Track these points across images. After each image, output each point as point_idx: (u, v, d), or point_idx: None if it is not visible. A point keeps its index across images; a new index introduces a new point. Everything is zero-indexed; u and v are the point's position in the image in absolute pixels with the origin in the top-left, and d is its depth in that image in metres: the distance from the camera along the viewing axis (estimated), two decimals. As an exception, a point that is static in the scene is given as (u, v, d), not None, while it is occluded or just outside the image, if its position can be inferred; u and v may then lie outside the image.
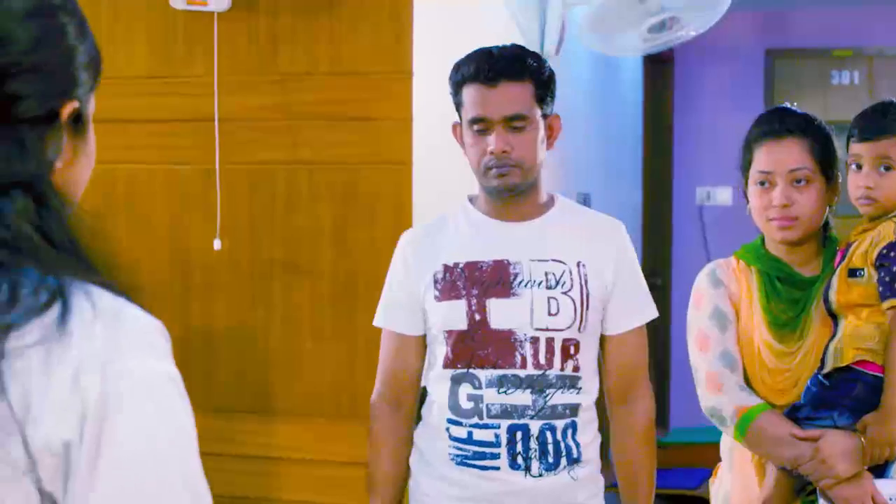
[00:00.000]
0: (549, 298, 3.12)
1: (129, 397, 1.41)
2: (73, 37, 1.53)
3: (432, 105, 4.24)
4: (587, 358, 3.18)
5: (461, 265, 3.17)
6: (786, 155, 3.14)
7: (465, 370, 3.14)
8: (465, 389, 3.15)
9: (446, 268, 3.18)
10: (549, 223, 3.22)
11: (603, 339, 3.25)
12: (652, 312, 3.29)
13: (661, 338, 8.17)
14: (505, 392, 3.10)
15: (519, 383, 3.11)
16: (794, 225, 3.14)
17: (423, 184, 4.21)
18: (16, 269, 1.39)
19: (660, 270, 8.73)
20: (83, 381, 1.38)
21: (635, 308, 3.25)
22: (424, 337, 3.26)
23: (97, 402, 1.38)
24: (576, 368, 3.15)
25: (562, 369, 3.13)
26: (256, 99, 4.34)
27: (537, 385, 3.11)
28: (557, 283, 3.13)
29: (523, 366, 3.11)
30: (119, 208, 4.48)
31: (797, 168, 3.13)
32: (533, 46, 4.42)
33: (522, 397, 3.11)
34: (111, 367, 1.40)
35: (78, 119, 1.54)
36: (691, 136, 9.04)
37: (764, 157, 3.18)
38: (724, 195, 8.81)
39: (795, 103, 3.38)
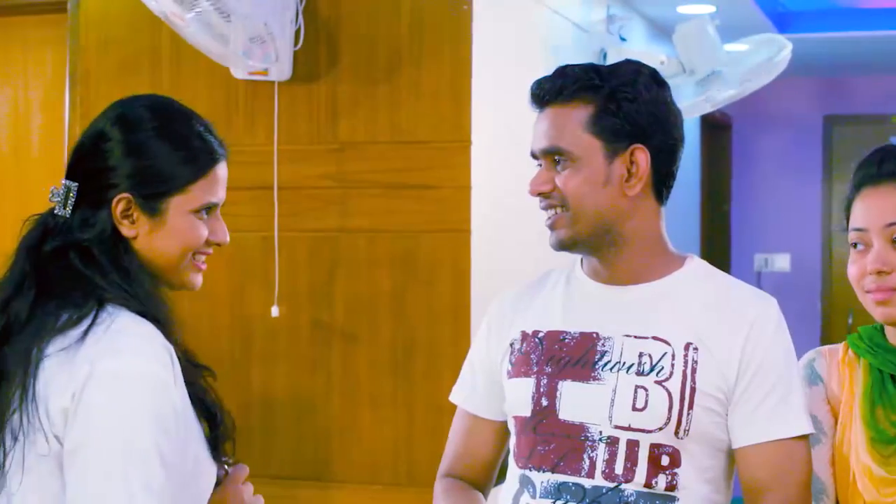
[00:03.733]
0: (636, 388, 2.36)
1: (102, 380, 2.01)
2: (118, 157, 2.17)
3: (491, 173, 4.27)
4: (694, 475, 2.36)
5: (542, 334, 2.48)
6: (881, 206, 2.39)
7: (523, 470, 2.44)
8: (522, 497, 2.44)
9: (524, 336, 2.51)
10: (665, 290, 2.44)
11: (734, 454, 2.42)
12: (799, 426, 2.37)
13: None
14: None
15: (581, 497, 2.36)
16: (894, 298, 2.37)
17: (482, 251, 4.21)
18: (68, 297, 2.11)
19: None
20: (79, 370, 2.02)
21: (770, 414, 2.36)
22: (505, 423, 2.57)
23: (83, 382, 2.02)
24: (671, 487, 2.34)
25: (647, 485, 2.33)
26: (315, 167, 4.37)
27: (605, 502, 2.34)
28: (652, 368, 2.36)
29: (590, 474, 2.35)
30: (180, 275, 4.51)
31: None
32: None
33: None
34: (99, 362, 2.02)
35: (149, 200, 2.17)
36: (749, 202, 9.01)
37: (859, 211, 2.42)
38: (782, 262, 8.77)
39: None
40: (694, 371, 2.35)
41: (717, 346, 2.36)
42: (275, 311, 4.35)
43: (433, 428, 4.15)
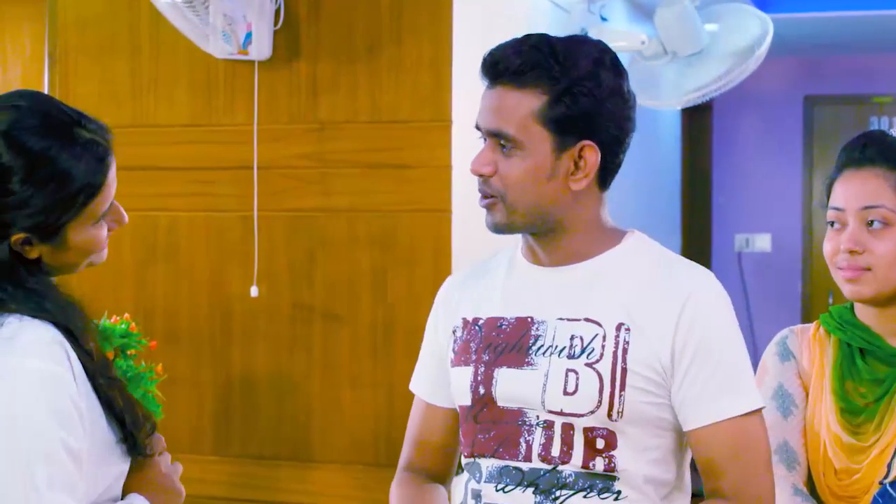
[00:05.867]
0: (567, 371, 2.31)
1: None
2: (8, 201, 2.10)
3: (472, 152, 4.24)
4: (633, 457, 2.31)
5: (481, 321, 2.43)
6: (860, 189, 2.50)
7: (471, 459, 2.42)
8: (470, 483, 2.42)
9: (465, 323, 2.47)
10: (599, 269, 2.37)
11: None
12: (749, 402, 2.30)
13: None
14: (503, 490, 2.36)
15: (520, 479, 2.34)
16: (863, 278, 2.49)
17: (463, 231, 4.21)
18: None
19: (698, 317, 8.69)
20: None
21: (717, 394, 2.29)
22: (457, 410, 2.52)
23: None
24: (610, 469, 2.30)
25: (584, 466, 2.30)
26: (295, 147, 4.36)
27: (543, 484, 2.32)
28: (583, 351, 2.31)
29: (527, 457, 2.33)
30: (159, 254, 4.51)
31: (872, 205, 2.48)
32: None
33: (523, 498, 2.33)
34: None
35: (47, 234, 2.13)
36: (730, 183, 9.03)
37: (839, 192, 2.53)
38: (762, 241, 8.79)
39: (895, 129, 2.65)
40: (625, 352, 2.28)
41: (649, 324, 2.29)
42: (254, 291, 4.35)
43: (413, 408, 4.16)
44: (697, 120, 8.92)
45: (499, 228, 2.37)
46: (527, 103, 2.29)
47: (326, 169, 4.32)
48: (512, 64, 2.32)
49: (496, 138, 2.33)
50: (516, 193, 2.32)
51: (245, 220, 4.40)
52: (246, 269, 4.39)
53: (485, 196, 2.37)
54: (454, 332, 2.48)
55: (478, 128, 2.40)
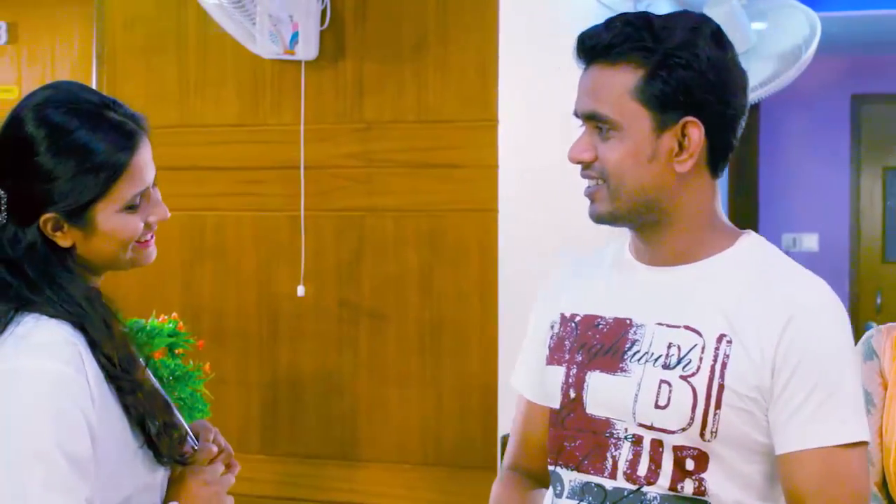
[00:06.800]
0: (661, 382, 2.11)
1: (1, 376, 2.03)
2: (37, 177, 2.11)
3: (518, 151, 4.25)
4: (726, 481, 2.10)
5: (578, 318, 2.27)
6: None
7: (554, 467, 2.26)
8: (553, 498, 2.26)
9: (563, 319, 2.30)
10: (706, 273, 2.18)
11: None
12: (848, 433, 2.05)
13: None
14: None
15: (602, 498, 2.16)
16: None
17: (509, 230, 4.20)
18: None
19: (745, 317, 8.65)
20: None
21: (811, 418, 2.06)
22: None
23: None
24: (700, 491, 2.09)
25: (672, 489, 2.10)
26: (342, 147, 4.36)
27: None
28: (679, 361, 2.11)
29: (612, 475, 2.15)
30: (206, 254, 4.52)
31: None
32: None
33: None
34: (1, 362, 2.04)
35: (74, 215, 2.13)
36: (777, 182, 8.98)
37: None
38: (810, 241, 8.73)
39: None
40: (724, 366, 2.07)
41: (751, 337, 2.07)
42: (301, 290, 4.35)
43: (460, 407, 4.15)
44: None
45: (602, 219, 2.19)
46: (621, 80, 2.11)
47: (373, 168, 4.33)
48: (603, 40, 2.12)
49: (593, 121, 2.14)
50: (617, 178, 2.13)
51: (292, 220, 4.41)
52: (293, 269, 4.40)
53: (587, 178, 2.17)
54: (552, 326, 2.31)
55: (576, 114, 2.19)
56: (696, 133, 2.12)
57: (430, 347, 4.26)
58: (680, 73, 2.09)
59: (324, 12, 4.30)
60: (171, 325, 3.77)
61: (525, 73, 4.39)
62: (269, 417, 4.48)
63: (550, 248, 4.31)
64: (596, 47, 2.13)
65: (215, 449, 2.29)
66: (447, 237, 4.24)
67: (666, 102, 2.10)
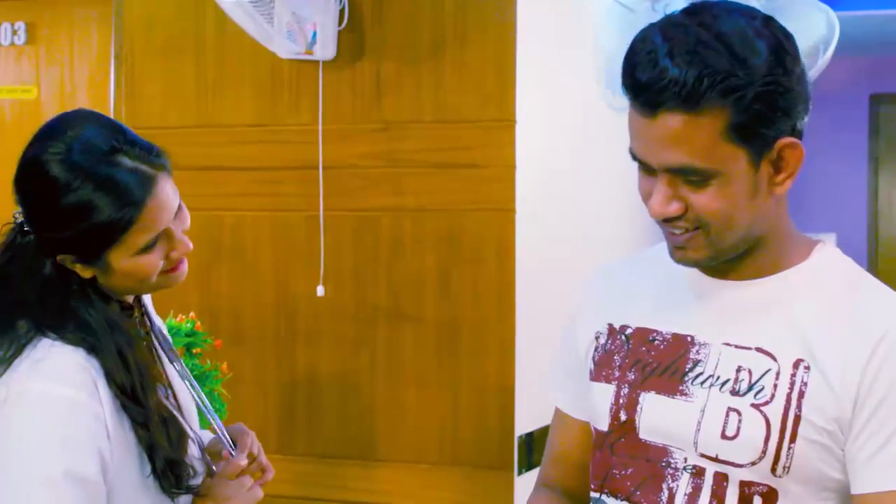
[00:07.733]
0: (728, 410, 1.92)
1: (12, 403, 2.05)
2: (52, 222, 2.14)
3: (536, 152, 4.25)
4: None
5: (629, 331, 2.08)
6: None
7: (598, 494, 2.07)
8: None
9: (611, 330, 2.11)
10: (780, 290, 1.99)
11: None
12: None
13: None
14: None
15: None
16: None
17: (527, 231, 4.20)
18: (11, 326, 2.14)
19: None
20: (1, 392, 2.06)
21: (895, 456, 1.85)
22: None
23: (2, 401, 2.05)
24: None
25: None
26: (360, 147, 4.36)
27: None
28: (750, 388, 1.91)
29: None
30: (224, 254, 4.53)
31: None
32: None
33: None
34: (14, 384, 2.06)
35: (87, 260, 2.17)
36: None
37: None
38: (827, 241, 8.71)
39: None
40: (801, 395, 1.88)
41: (832, 365, 1.88)
42: (320, 290, 4.35)
43: (478, 407, 4.15)
44: (762, 119, 8.86)
45: (697, 264, 1.99)
46: (709, 125, 1.84)
47: (391, 169, 4.33)
48: (684, 87, 1.81)
49: (681, 175, 1.89)
50: (722, 224, 1.91)
51: (310, 220, 4.41)
52: (311, 269, 4.40)
53: (678, 228, 1.94)
54: (597, 337, 2.13)
55: (636, 159, 1.95)
56: (795, 152, 1.96)
57: (448, 347, 4.26)
58: (778, 101, 1.88)
59: (341, 12, 4.30)
60: (188, 324, 3.78)
61: (543, 73, 4.39)
62: (287, 417, 4.48)
63: (568, 249, 4.32)
64: (672, 94, 1.83)
65: (244, 462, 2.32)
66: (465, 237, 4.24)
67: (760, 134, 1.90)
